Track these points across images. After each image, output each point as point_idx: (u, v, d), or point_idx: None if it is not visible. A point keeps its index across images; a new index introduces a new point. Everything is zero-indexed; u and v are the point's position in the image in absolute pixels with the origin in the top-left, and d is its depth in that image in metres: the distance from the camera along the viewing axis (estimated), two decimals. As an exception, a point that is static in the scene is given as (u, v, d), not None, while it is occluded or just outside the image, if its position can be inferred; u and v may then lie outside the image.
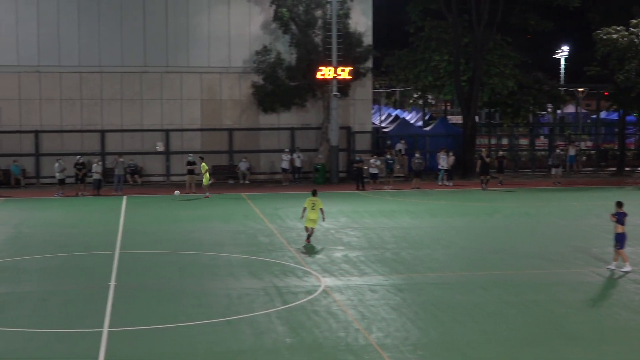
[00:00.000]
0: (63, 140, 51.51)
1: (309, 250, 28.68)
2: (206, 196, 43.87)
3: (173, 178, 52.34)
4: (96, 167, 45.86)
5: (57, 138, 51.45)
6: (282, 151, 52.41)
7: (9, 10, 50.60)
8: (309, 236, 29.73)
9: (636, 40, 53.74)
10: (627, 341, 18.20)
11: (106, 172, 47.83)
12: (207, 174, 44.49)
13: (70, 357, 17.07)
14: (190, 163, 47.04)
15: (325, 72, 50.72)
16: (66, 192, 45.88)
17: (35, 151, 51.23)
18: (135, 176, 50.72)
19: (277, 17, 51.95)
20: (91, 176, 46.24)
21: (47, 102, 51.37)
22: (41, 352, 17.35)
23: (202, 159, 45.90)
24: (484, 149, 52.68)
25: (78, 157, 47.03)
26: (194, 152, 49.80)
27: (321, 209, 29.56)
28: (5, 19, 50.59)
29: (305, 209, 29.56)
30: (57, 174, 46.22)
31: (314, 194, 29.97)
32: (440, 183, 49.75)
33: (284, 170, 51.21)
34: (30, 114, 51.26)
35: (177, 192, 44.54)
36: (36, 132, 51.18)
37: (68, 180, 46.73)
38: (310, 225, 29.63)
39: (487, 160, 47.88)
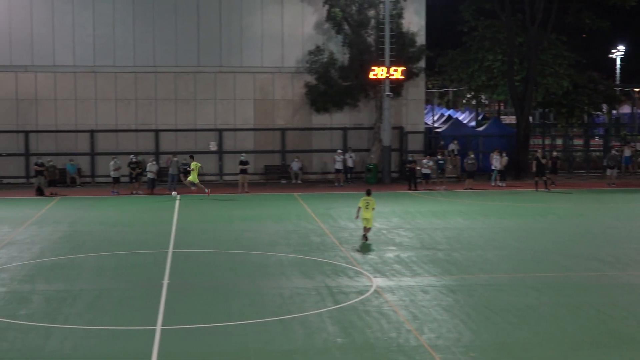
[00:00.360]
0: (118, 139, 52.10)
1: (363, 249, 28.66)
2: (192, 191, 43.77)
3: (226, 177, 52.65)
4: (150, 167, 46.29)
5: (112, 137, 52.05)
6: (334, 151, 52.45)
7: (66, 12, 51.30)
8: (364, 234, 29.90)
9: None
10: (683, 345, 17.95)
11: (160, 172, 48.20)
12: (196, 173, 44.39)
13: (124, 354, 17.25)
14: (242, 163, 47.28)
15: (378, 72, 50.66)
16: (121, 191, 46.38)
17: (90, 150, 51.86)
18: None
19: (330, 17, 52.02)
20: (145, 175, 46.70)
21: (103, 102, 51.99)
22: (95, 350, 17.55)
23: (192, 157, 45.92)
24: (539, 150, 52.11)
25: (132, 156, 47.51)
26: (246, 152, 50.08)
27: (373, 209, 29.69)
28: (62, 21, 51.30)
29: (359, 208, 29.65)
30: (111, 172, 46.76)
31: (368, 193, 30.07)
32: (493, 184, 49.43)
33: (338, 170, 51.14)
34: (86, 113, 51.92)
35: (174, 193, 44.36)
36: (92, 132, 51.83)
37: (122, 180, 47.22)
38: (366, 225, 29.75)
39: (543, 161, 47.38)
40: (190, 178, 44.29)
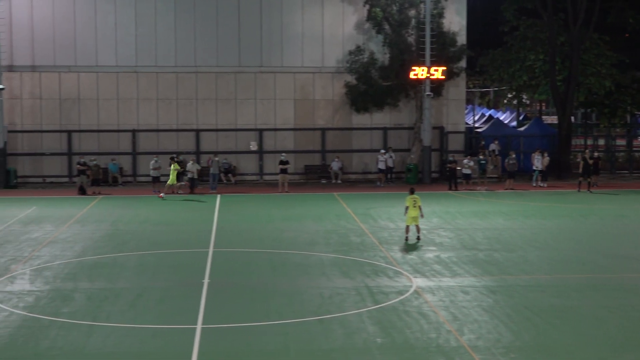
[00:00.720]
0: (159, 139, 52.47)
1: (403, 249, 28.63)
2: (160, 195, 43.81)
3: (266, 177, 52.81)
4: (191, 166, 46.54)
5: (154, 137, 52.43)
6: (374, 151, 52.42)
7: (108, 13, 51.76)
8: (416, 235, 30.13)
9: None
10: None
11: (201, 171, 48.43)
12: (174, 176, 44.34)
13: (165, 353, 17.38)
14: (283, 162, 47.41)
15: (419, 72, 50.54)
16: (162, 190, 46.70)
17: (132, 150, 52.27)
18: (229, 175, 51.33)
19: (370, 17, 51.97)
20: (186, 175, 46.97)
21: (144, 102, 52.39)
22: (137, 347, 17.70)
23: (172, 159, 46.01)
24: (587, 150, 51.57)
25: (173, 155, 47.80)
26: (286, 152, 50.21)
27: (419, 206, 29.75)
28: (105, 21, 51.77)
29: (407, 207, 29.68)
30: (152, 172, 47.11)
31: (412, 192, 30.15)
32: (534, 184, 49.10)
33: (380, 170, 50.94)
34: (128, 113, 52.35)
35: (162, 194, 44.25)
36: (133, 131, 52.24)
37: (163, 179, 47.53)
38: (413, 223, 29.84)
39: (590, 162, 46.86)
40: (169, 181, 44.19)
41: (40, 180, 51.98)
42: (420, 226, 30.61)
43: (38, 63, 51.76)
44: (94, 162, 47.59)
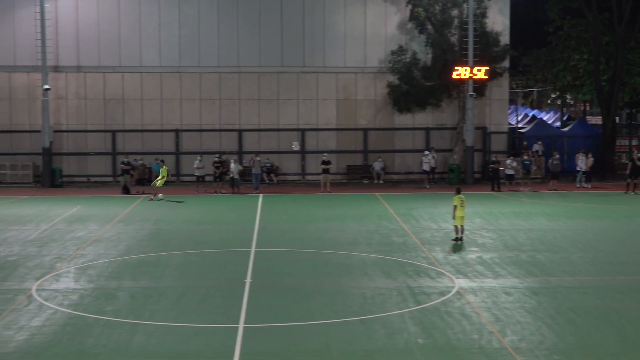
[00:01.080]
0: (202, 139, 52.77)
1: (446, 250, 28.56)
2: (149, 198, 43.60)
3: (308, 177, 52.91)
4: (234, 166, 46.75)
5: (196, 137, 52.74)
6: (416, 151, 52.34)
7: (152, 13, 52.17)
8: (459, 236, 30.03)
9: None
10: None
11: (244, 171, 48.63)
12: (163, 180, 44.21)
13: (207, 351, 17.49)
14: (325, 162, 47.47)
15: (461, 72, 50.36)
16: (208, 190, 47.00)
17: (175, 149, 52.63)
18: (272, 175, 51.49)
19: (413, 17, 51.86)
20: (228, 175, 47.20)
21: (187, 102, 52.72)
22: (179, 346, 17.83)
23: (162, 162, 46.17)
24: (635, 151, 50.90)
25: (216, 155, 48.10)
26: (328, 152, 50.27)
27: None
28: (149, 22, 52.19)
29: (455, 207, 29.61)
30: (196, 171, 47.40)
31: (458, 191, 30.07)
32: (578, 185, 48.71)
33: (425, 172, 50.51)
34: (171, 113, 52.71)
35: (160, 195, 44.11)
36: (176, 131, 52.59)
37: (207, 178, 47.87)
38: (460, 224, 29.79)
39: (638, 163, 46.27)
40: (158, 183, 44.12)
41: (84, 179, 52.51)
42: (463, 227, 30.48)
43: (83, 63, 52.31)
44: (140, 162, 47.99)
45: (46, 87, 49.92)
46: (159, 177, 44.16)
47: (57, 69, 51.90)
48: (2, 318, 19.80)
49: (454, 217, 30.13)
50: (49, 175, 50.12)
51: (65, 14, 51.91)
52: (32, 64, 51.32)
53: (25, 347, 17.64)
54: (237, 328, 18.91)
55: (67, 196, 45.74)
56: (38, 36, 50.07)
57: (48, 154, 50.26)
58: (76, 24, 52.10)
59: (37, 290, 22.76)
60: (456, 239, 30.01)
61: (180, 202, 42.95)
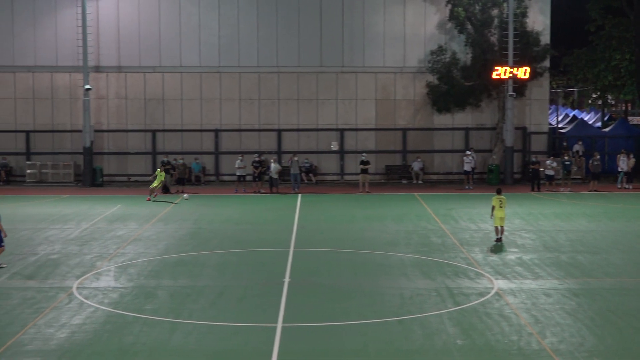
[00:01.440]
0: (241, 138, 52.96)
1: (485, 251, 28.44)
2: (147, 199, 43.46)
3: (347, 177, 52.89)
4: (273, 166, 46.85)
5: (236, 137, 52.95)
6: (456, 151, 52.16)
7: (192, 14, 52.44)
8: (499, 237, 29.93)
9: None
10: None
11: (282, 171, 48.71)
12: (159, 181, 44.10)
13: (246, 350, 17.56)
14: (363, 162, 47.45)
15: (501, 72, 50.10)
16: (247, 189, 47.19)
17: (214, 149, 52.87)
18: (310, 175, 51.56)
19: (452, 17, 51.67)
20: (268, 174, 47.33)
21: (227, 102, 52.94)
22: (218, 345, 17.93)
23: (162, 164, 46.41)
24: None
25: (256, 155, 48.27)
26: (367, 152, 50.24)
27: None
28: (189, 23, 52.47)
29: (494, 207, 29.47)
30: (237, 171, 47.57)
31: (499, 192, 29.95)
32: (619, 186, 48.28)
33: (466, 172, 49.67)
34: (211, 113, 52.95)
35: (185, 195, 44.08)
36: (216, 131, 52.83)
37: (248, 178, 48.05)
38: (500, 224, 29.65)
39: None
40: (153, 184, 44.08)
41: (125, 178, 52.93)
42: (503, 227, 30.32)
43: (124, 64, 52.73)
44: (181, 161, 48.30)
45: (87, 87, 50.36)
46: (156, 179, 44.39)
47: (98, 69, 52.35)
48: (44, 316, 20.03)
49: (491, 217, 30.02)
50: (89, 174, 50.56)
51: (107, 15, 52.32)
52: (73, 64, 51.82)
53: (66, 345, 17.83)
54: (275, 327, 18.97)
55: (108, 195, 46.15)
56: (79, 37, 50.52)
57: (89, 153, 50.71)
58: (117, 24, 52.52)
59: (78, 288, 22.99)
60: (497, 240, 29.87)
61: (171, 202, 43.00)
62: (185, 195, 44.15)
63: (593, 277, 24.56)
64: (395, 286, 23.23)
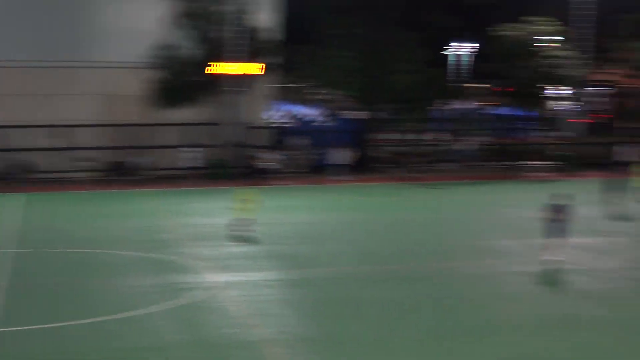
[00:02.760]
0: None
1: (223, 244, 28.57)
2: None
3: (72, 174, 51.16)
4: None
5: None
6: (183, 146, 52.06)
7: None
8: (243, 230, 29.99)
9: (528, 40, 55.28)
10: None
11: None
12: None
13: None
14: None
15: (216, 68, 50.62)
16: None
17: None
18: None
19: (176, 12, 51.20)
20: None
21: None
22: None
23: None
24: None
25: None
26: (91, 149, 49.02)
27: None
28: None
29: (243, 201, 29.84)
30: None
31: (244, 186, 30.52)
32: (338, 178, 49.75)
33: (191, 168, 50.05)
34: None
35: None
36: None
37: None
38: (241, 217, 29.99)
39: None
40: None
41: None
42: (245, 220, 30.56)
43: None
44: None
45: None
46: None
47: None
48: None
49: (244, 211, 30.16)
50: None
51: None
52: None
53: None
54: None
55: None
56: None
57: None
58: None
59: None
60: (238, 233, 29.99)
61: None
62: None
63: (313, 267, 25.34)
64: (115, 284, 22.96)
